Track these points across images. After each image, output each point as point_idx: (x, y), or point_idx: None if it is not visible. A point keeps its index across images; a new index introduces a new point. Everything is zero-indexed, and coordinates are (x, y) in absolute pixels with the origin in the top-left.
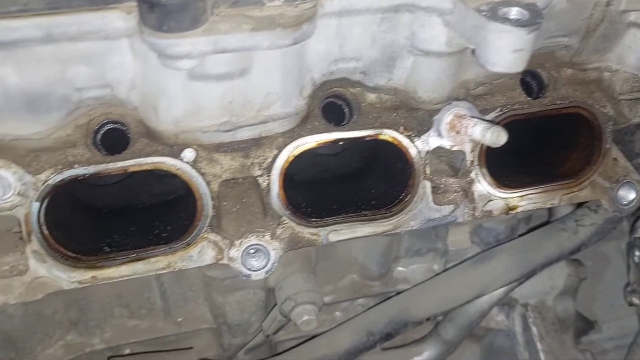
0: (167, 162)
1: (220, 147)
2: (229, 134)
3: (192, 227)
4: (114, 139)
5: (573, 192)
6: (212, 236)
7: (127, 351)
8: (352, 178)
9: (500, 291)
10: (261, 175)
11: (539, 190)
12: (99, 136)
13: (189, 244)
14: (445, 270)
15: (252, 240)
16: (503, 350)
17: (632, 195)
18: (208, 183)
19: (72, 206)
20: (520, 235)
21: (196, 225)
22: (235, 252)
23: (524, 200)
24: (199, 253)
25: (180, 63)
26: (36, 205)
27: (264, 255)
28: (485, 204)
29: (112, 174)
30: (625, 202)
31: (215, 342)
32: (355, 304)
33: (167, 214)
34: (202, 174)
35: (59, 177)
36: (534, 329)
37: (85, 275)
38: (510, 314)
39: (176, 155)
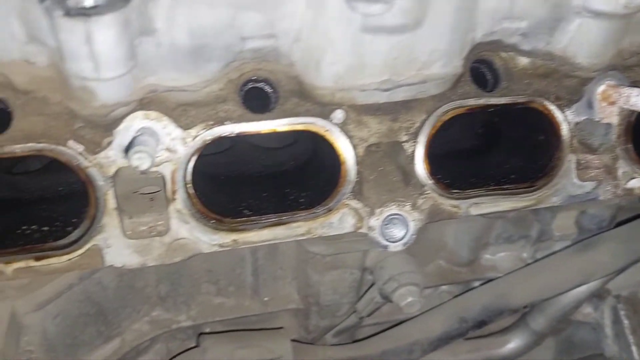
0: (317, 123)
1: (371, 109)
2: (386, 93)
3: (334, 192)
4: (254, 98)
5: None
6: (354, 203)
7: (207, 330)
8: (474, 153)
9: (599, 281)
10: (407, 141)
11: None
12: (242, 94)
13: (330, 210)
14: (537, 260)
15: (393, 209)
16: (583, 345)
17: None
18: (354, 147)
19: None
20: (619, 224)
21: (339, 190)
22: (374, 221)
23: None
24: (339, 220)
25: (373, 8)
26: (184, 162)
27: (403, 226)
28: (628, 181)
29: (255, 134)
30: None
31: (299, 324)
32: (440, 290)
33: (297, 181)
34: (350, 137)
35: (209, 134)
36: (626, 322)
37: (227, 238)
38: (599, 306)
39: (326, 115)
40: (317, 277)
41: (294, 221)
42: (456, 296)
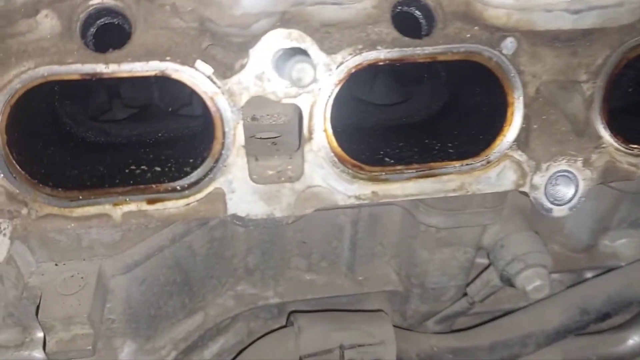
0: (483, 53)
1: (549, 38)
2: (573, 17)
3: (495, 141)
4: (401, 22)
5: None
6: (517, 155)
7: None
8: None
9: None
10: (586, 82)
11: None
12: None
13: (489, 162)
14: None
15: (562, 165)
16: None
17: None
18: (524, 84)
19: None
20: None
21: (501, 139)
22: (539, 179)
23: None
24: (499, 175)
25: None
26: (325, 94)
27: (572, 185)
28: None
29: (413, 60)
30: None
31: (395, 308)
32: (551, 279)
33: (436, 131)
34: (520, 72)
35: (357, 60)
36: None
37: (365, 189)
38: None
39: (495, 44)
40: (426, 254)
41: (446, 173)
42: (570, 286)
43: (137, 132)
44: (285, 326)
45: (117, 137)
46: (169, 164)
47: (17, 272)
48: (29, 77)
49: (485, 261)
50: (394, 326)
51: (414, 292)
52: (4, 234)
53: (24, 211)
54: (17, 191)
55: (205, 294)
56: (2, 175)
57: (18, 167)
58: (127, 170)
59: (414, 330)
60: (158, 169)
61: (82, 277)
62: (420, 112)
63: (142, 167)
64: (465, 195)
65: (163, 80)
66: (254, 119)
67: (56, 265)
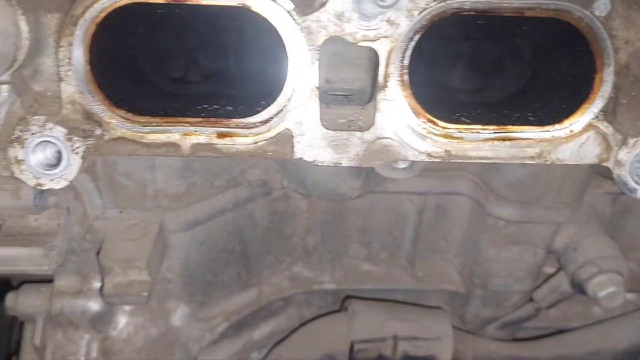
0: (574, 12)
1: None
2: None
3: (580, 108)
4: None
5: None
6: (603, 126)
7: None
8: None
9: None
10: None
11: None
12: None
13: (571, 131)
14: None
15: None
16: None
17: None
18: (616, 50)
19: None
20: None
21: (587, 107)
22: (625, 154)
23: None
24: (581, 146)
25: None
26: (404, 40)
27: None
28: None
29: (499, 13)
30: None
31: (454, 310)
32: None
33: (516, 104)
34: (612, 37)
35: (441, 7)
36: None
37: (438, 147)
38: None
39: (587, 4)
40: (493, 252)
41: (524, 138)
42: None
43: (212, 91)
44: (339, 311)
45: (191, 90)
46: (241, 104)
47: (83, 210)
48: None
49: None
50: (454, 327)
51: (476, 293)
52: (77, 152)
53: (98, 131)
54: (94, 111)
55: (261, 270)
56: (81, 92)
57: (97, 87)
58: (199, 107)
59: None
60: (230, 107)
61: (143, 226)
62: (498, 94)
63: (215, 105)
64: (543, 165)
65: (240, 47)
66: (327, 81)
67: (120, 212)
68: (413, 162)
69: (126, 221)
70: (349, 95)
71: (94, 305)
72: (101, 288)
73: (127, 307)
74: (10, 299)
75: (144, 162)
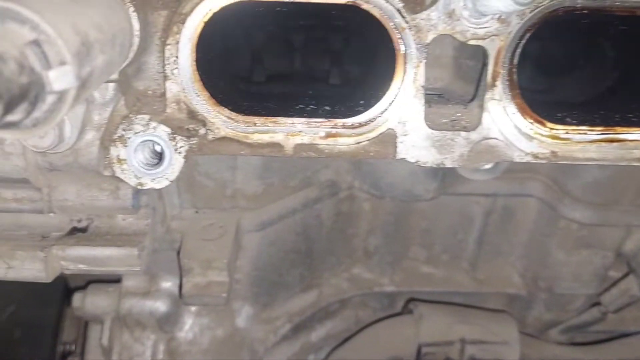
0: None
1: None
2: None
3: None
4: None
5: None
6: None
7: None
8: None
9: None
10: None
11: None
12: None
13: None
14: None
15: None
16: None
17: None
18: None
19: None
20: None
21: None
22: None
23: None
24: None
25: None
26: (515, 38)
27: None
28: None
29: (611, 12)
30: None
31: (515, 313)
32: None
33: (619, 104)
34: None
35: (553, 5)
36: None
37: (545, 147)
38: None
39: None
40: (562, 255)
41: (633, 140)
42: None
43: (286, 91)
44: (400, 313)
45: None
46: (338, 104)
47: (164, 210)
48: None
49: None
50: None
51: (540, 297)
52: (179, 152)
53: (202, 131)
54: (198, 110)
55: (323, 271)
56: (186, 91)
57: (202, 86)
58: (297, 107)
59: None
60: (328, 107)
61: (221, 226)
62: (585, 92)
63: (311, 105)
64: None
65: (307, 49)
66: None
67: (196, 212)
68: (497, 163)
69: (203, 221)
70: (443, 93)
71: (162, 306)
72: (180, 288)
73: (192, 308)
74: (77, 299)
75: (226, 162)
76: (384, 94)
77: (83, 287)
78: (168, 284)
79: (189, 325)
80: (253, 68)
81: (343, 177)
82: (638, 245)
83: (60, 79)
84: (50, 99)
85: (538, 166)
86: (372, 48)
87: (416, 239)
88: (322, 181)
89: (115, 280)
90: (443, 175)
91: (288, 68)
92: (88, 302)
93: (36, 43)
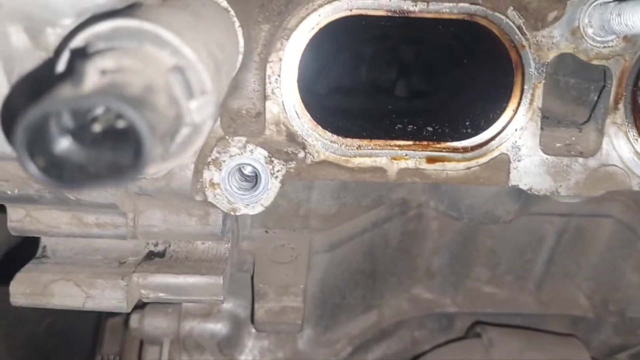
0: None
1: None
2: None
3: None
4: None
5: None
6: None
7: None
8: None
9: None
10: None
11: None
12: None
13: None
14: None
15: None
16: None
17: None
18: None
19: None
20: None
21: None
22: None
23: None
24: None
25: None
26: (636, 57)
27: None
28: None
29: None
30: None
31: (580, 337)
32: None
33: None
34: None
35: None
36: None
37: None
38: None
39: None
40: (638, 277)
41: None
42: None
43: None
44: (464, 337)
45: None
46: (443, 125)
47: (237, 232)
48: (335, 8)
49: None
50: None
51: (609, 320)
52: (276, 177)
53: (301, 154)
54: (299, 132)
55: (383, 291)
56: (288, 113)
57: (304, 107)
58: (397, 127)
59: None
60: (430, 128)
61: (292, 247)
62: None
63: (410, 126)
64: None
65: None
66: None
67: (266, 232)
68: None
69: (273, 242)
70: (554, 116)
71: (224, 329)
72: (252, 315)
73: (252, 330)
74: (134, 320)
75: (303, 181)
76: (498, 115)
77: (140, 307)
78: (230, 305)
79: (249, 348)
80: (352, 81)
81: (416, 196)
82: None
83: (201, 109)
84: (185, 130)
85: None
86: (483, 64)
87: (481, 259)
88: (394, 200)
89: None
90: (526, 196)
91: (386, 81)
92: (146, 323)
93: (179, 70)
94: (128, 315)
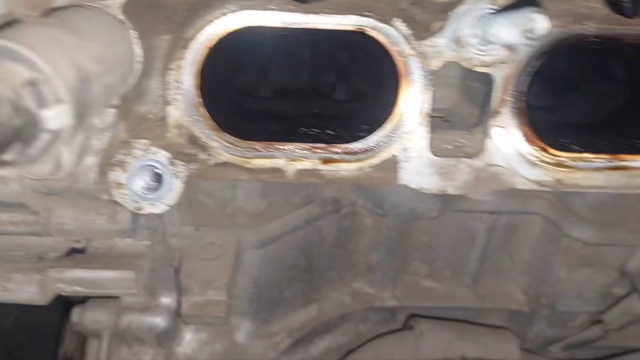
0: None
1: None
2: None
3: None
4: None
5: None
6: None
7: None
8: None
9: None
10: None
11: None
12: None
13: None
14: None
15: None
16: None
17: None
18: None
19: None
20: None
21: None
22: None
23: None
24: None
25: None
26: (523, 65)
27: None
28: None
29: (622, 41)
30: None
31: (516, 329)
32: None
33: (626, 128)
34: None
35: (562, 33)
36: None
37: (549, 175)
38: None
39: None
40: (565, 273)
41: (638, 167)
42: None
43: (296, 108)
44: (401, 329)
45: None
46: (342, 129)
47: (163, 229)
48: (230, 21)
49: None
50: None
51: (542, 313)
52: (179, 177)
53: (202, 156)
54: (199, 135)
55: (322, 286)
56: (188, 116)
57: (204, 111)
58: (299, 131)
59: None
60: (330, 131)
61: (220, 245)
62: (590, 113)
63: (313, 129)
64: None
65: (314, 64)
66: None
67: (196, 229)
68: None
69: (202, 239)
70: (448, 118)
71: (162, 322)
72: (178, 307)
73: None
74: (76, 314)
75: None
76: (386, 120)
77: (82, 301)
78: (167, 299)
79: (187, 341)
80: (258, 84)
81: (346, 195)
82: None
83: (56, 118)
84: (45, 136)
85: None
86: (377, 72)
87: (418, 254)
88: (325, 198)
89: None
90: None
91: (293, 84)
92: (87, 317)
93: (32, 83)
94: None
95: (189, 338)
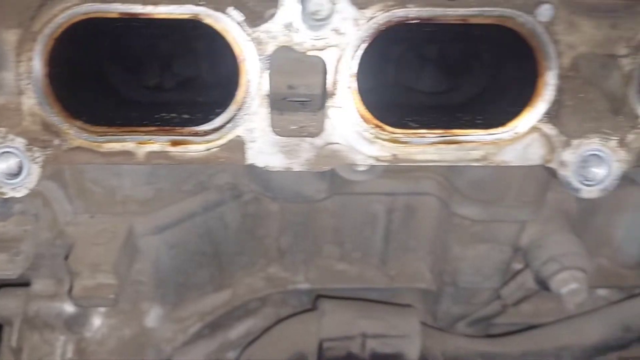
0: (516, 18)
1: (588, 7)
2: None
3: (524, 111)
4: None
5: None
6: (547, 128)
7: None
8: None
9: None
10: (626, 56)
11: None
12: None
13: (516, 134)
14: None
15: (594, 143)
16: None
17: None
18: (559, 55)
19: None
20: None
21: (531, 110)
22: (569, 155)
23: None
24: (525, 148)
25: None
26: (352, 49)
27: (604, 166)
28: None
29: (444, 21)
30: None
31: (426, 308)
32: (595, 295)
33: (471, 108)
34: (555, 42)
35: (385, 17)
36: None
37: (385, 151)
38: None
39: (530, 9)
40: (460, 250)
41: (469, 141)
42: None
43: (181, 99)
44: (310, 310)
45: (158, 98)
46: (198, 112)
47: (53, 216)
48: (72, 13)
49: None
50: (423, 324)
51: (446, 291)
52: (36, 162)
53: (56, 142)
54: (52, 122)
55: (234, 271)
56: (40, 104)
57: (55, 99)
58: (157, 116)
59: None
60: (186, 116)
61: (112, 231)
62: (460, 97)
63: (173, 114)
64: (490, 167)
65: (212, 56)
66: (290, 87)
67: (91, 217)
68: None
69: (96, 226)
70: (307, 101)
71: (69, 308)
72: (70, 290)
73: (101, 309)
74: None
75: (111, 168)
76: (231, 102)
77: None
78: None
79: (97, 326)
80: (120, 76)
81: (242, 181)
82: (532, 240)
83: None
84: None
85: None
86: (222, 58)
87: (327, 237)
88: (221, 184)
89: (27, 284)
90: (331, 176)
91: (153, 75)
92: None
93: None
94: None
95: (98, 323)
